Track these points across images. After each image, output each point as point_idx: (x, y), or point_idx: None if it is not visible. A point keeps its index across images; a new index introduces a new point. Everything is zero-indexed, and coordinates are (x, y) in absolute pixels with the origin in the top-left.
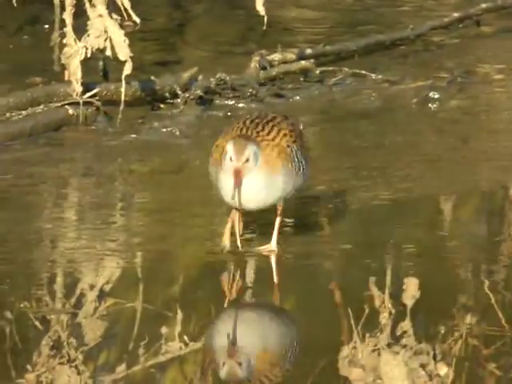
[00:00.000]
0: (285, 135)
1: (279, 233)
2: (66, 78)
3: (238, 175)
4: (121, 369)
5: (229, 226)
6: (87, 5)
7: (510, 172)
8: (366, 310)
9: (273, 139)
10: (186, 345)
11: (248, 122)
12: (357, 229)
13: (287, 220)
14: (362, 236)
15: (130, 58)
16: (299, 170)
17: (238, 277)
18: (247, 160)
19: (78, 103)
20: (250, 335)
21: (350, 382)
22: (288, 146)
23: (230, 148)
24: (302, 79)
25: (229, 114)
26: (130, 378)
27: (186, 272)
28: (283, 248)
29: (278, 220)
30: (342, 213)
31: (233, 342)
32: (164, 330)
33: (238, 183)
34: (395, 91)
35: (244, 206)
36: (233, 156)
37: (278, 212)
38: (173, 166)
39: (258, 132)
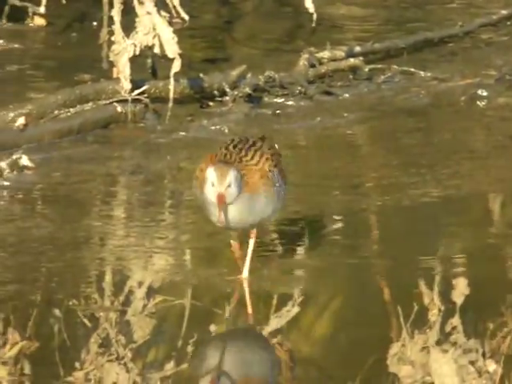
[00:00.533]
0: (267, 159)
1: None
2: (115, 76)
3: (221, 200)
4: (169, 366)
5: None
6: (135, 2)
7: None
8: (416, 308)
9: (256, 164)
10: (238, 340)
11: (231, 148)
12: (406, 226)
13: (336, 217)
14: (411, 233)
15: (179, 55)
16: (279, 193)
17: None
18: (229, 185)
19: (126, 100)
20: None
21: (400, 379)
22: (270, 171)
23: (211, 174)
24: (350, 77)
25: (277, 111)
26: (179, 375)
27: (234, 268)
28: (334, 241)
29: (251, 242)
30: (391, 210)
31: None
32: (213, 327)
33: (222, 208)
34: (444, 89)
35: (229, 226)
36: (215, 181)
37: (252, 235)
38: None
39: (241, 158)
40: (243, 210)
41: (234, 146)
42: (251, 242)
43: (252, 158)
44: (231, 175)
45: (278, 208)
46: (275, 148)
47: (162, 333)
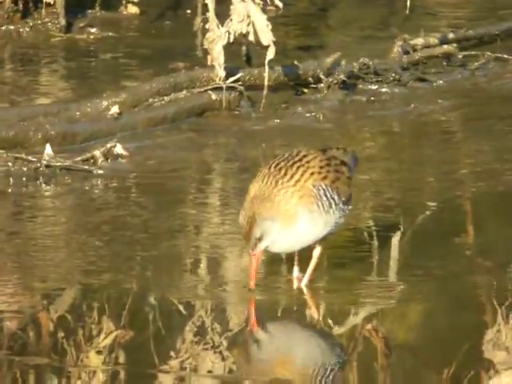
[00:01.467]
0: (312, 174)
1: (313, 272)
2: (209, 63)
3: (255, 261)
4: (269, 353)
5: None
6: None
7: None
8: (511, 293)
9: (295, 184)
10: (331, 328)
11: (273, 168)
12: (500, 212)
13: (430, 203)
14: (505, 220)
15: (273, 42)
16: (330, 207)
17: None
18: (259, 239)
19: (221, 88)
20: None
21: (495, 365)
22: (314, 186)
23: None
24: (444, 63)
25: (372, 98)
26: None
27: (331, 256)
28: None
29: (312, 262)
30: (485, 196)
31: None
32: (307, 310)
33: (255, 268)
34: None
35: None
36: (244, 240)
37: (314, 252)
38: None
39: (277, 181)
40: (287, 245)
41: (277, 165)
42: (316, 253)
43: (292, 177)
44: (257, 230)
45: (336, 219)
46: (338, 161)
47: (259, 322)
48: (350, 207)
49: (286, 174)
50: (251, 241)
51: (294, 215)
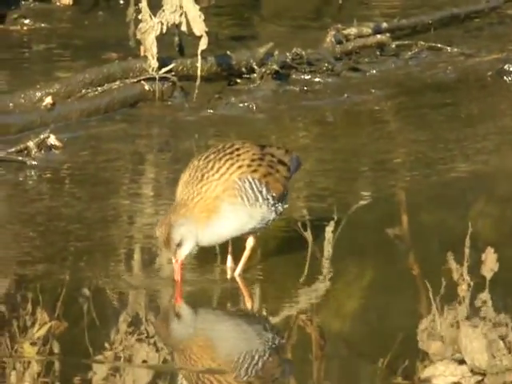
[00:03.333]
0: (239, 167)
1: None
2: (142, 54)
3: (177, 267)
4: (194, 342)
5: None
6: None
7: None
8: (445, 283)
9: (219, 177)
10: (264, 319)
11: (202, 160)
12: (433, 202)
13: (363, 193)
14: (439, 208)
15: (206, 32)
16: (256, 200)
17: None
18: (179, 244)
19: (154, 79)
20: None
21: (429, 355)
22: (239, 179)
23: (158, 238)
24: (377, 53)
25: (305, 88)
26: (199, 348)
27: (264, 246)
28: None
29: (245, 253)
30: (419, 185)
31: None
32: (242, 304)
33: (180, 276)
34: (470, 64)
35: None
36: (162, 248)
37: (247, 243)
38: (250, 140)
39: (203, 175)
40: (213, 238)
41: (206, 157)
42: (248, 243)
43: (218, 170)
44: (175, 234)
45: (265, 213)
46: (275, 159)
47: (192, 311)
48: (285, 205)
49: (212, 168)
50: (171, 247)
51: (216, 208)
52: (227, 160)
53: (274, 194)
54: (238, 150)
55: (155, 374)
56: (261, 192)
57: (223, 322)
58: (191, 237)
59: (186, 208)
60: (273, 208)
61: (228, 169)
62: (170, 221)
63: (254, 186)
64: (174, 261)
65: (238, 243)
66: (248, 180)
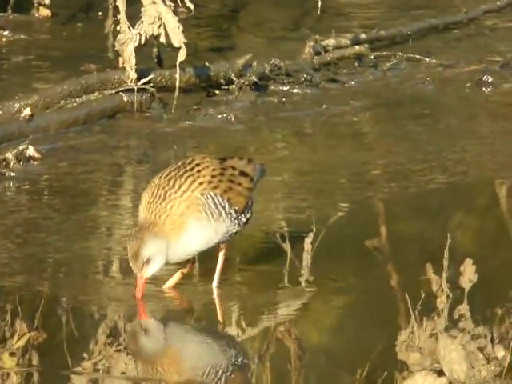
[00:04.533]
0: (201, 184)
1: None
2: (121, 65)
3: (140, 282)
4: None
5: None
6: None
7: None
8: (424, 295)
9: (181, 194)
10: (243, 331)
11: (163, 178)
12: (412, 213)
13: (342, 204)
14: (418, 220)
15: (184, 44)
16: (220, 215)
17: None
18: (147, 261)
19: (132, 90)
20: None
21: (408, 366)
22: (202, 195)
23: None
24: (356, 64)
25: (283, 99)
26: (177, 362)
27: (242, 257)
28: (351, 226)
29: (218, 264)
30: (398, 197)
31: None
32: (219, 314)
33: (141, 293)
34: (449, 75)
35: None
36: (130, 261)
37: (219, 255)
38: (228, 152)
39: (165, 193)
40: (181, 255)
41: (167, 175)
42: (220, 255)
43: (179, 187)
44: (145, 251)
45: (229, 227)
46: (237, 171)
47: (168, 323)
48: (248, 216)
49: (173, 186)
50: (139, 263)
51: (182, 224)
52: (188, 177)
53: (236, 208)
54: (198, 165)
55: None
56: (224, 207)
57: (195, 336)
58: (160, 256)
59: (157, 227)
60: (236, 221)
61: (190, 185)
62: (142, 236)
63: (216, 202)
64: (138, 276)
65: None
66: (211, 196)
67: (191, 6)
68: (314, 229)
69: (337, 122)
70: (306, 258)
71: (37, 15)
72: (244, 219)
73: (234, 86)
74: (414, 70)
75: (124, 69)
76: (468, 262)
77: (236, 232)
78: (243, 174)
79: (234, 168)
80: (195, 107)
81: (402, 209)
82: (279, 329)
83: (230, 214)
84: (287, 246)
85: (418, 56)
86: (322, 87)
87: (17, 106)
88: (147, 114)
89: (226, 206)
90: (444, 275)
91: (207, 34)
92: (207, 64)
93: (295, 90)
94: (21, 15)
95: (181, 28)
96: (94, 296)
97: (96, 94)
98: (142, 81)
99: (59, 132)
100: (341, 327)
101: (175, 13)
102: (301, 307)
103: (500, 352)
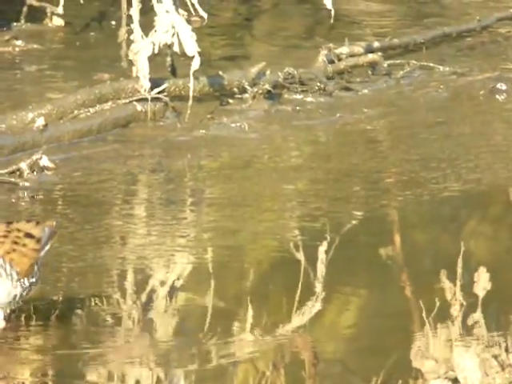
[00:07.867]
0: None
1: None
2: (134, 74)
3: None
4: (192, 366)
5: None
6: (154, 0)
7: None
8: (438, 303)
9: None
10: (258, 340)
11: None
12: (426, 221)
13: (356, 212)
14: (432, 228)
15: (198, 53)
16: (0, 276)
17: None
18: None
19: (146, 99)
20: None
21: (423, 374)
22: None
23: None
24: (369, 72)
25: (297, 108)
26: (201, 374)
27: (257, 267)
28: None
29: None
30: (412, 205)
31: None
32: (235, 325)
33: None
34: (463, 83)
35: None
36: None
37: None
38: (242, 160)
39: None
40: None
41: None
42: None
43: None
44: None
45: (12, 292)
46: (22, 233)
47: (185, 331)
48: (32, 279)
49: None
50: None
51: None
52: None
53: (18, 270)
54: None
55: None
56: (5, 269)
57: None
58: None
59: None
60: (18, 283)
61: None
62: None
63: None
64: None
65: None
66: None
67: (205, 15)
68: (329, 237)
69: (350, 131)
70: (320, 266)
71: (50, 25)
72: (27, 283)
73: (247, 95)
74: (428, 78)
75: (137, 78)
76: (482, 269)
77: (20, 295)
78: (29, 235)
79: (19, 230)
80: (209, 116)
81: (416, 217)
82: (293, 337)
83: (11, 275)
84: (301, 255)
85: (431, 64)
86: (335, 95)
87: (30, 115)
88: (161, 123)
89: (7, 267)
90: (458, 283)
91: (221, 42)
92: (221, 73)
93: (309, 99)
94: (34, 25)
95: (194, 37)
96: (108, 306)
97: (109, 103)
98: (156, 90)
99: (73, 142)
100: (355, 335)
101: (189, 22)
102: (315, 315)
103: None
